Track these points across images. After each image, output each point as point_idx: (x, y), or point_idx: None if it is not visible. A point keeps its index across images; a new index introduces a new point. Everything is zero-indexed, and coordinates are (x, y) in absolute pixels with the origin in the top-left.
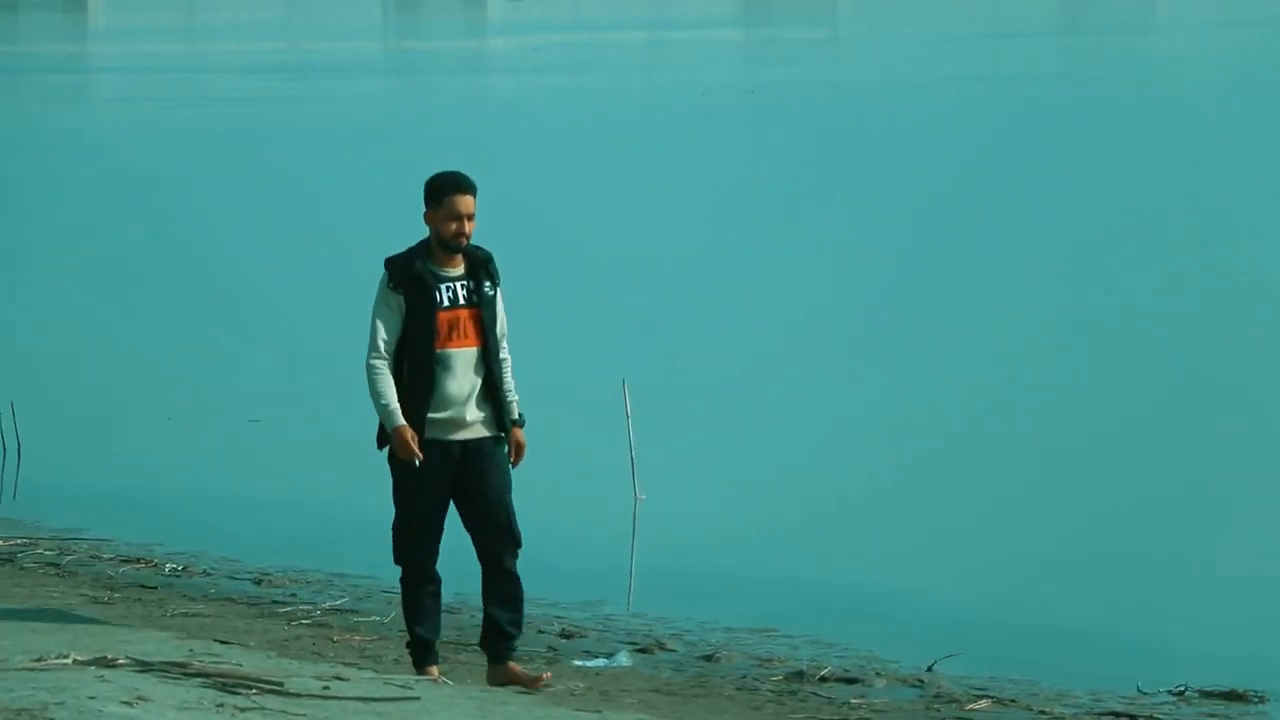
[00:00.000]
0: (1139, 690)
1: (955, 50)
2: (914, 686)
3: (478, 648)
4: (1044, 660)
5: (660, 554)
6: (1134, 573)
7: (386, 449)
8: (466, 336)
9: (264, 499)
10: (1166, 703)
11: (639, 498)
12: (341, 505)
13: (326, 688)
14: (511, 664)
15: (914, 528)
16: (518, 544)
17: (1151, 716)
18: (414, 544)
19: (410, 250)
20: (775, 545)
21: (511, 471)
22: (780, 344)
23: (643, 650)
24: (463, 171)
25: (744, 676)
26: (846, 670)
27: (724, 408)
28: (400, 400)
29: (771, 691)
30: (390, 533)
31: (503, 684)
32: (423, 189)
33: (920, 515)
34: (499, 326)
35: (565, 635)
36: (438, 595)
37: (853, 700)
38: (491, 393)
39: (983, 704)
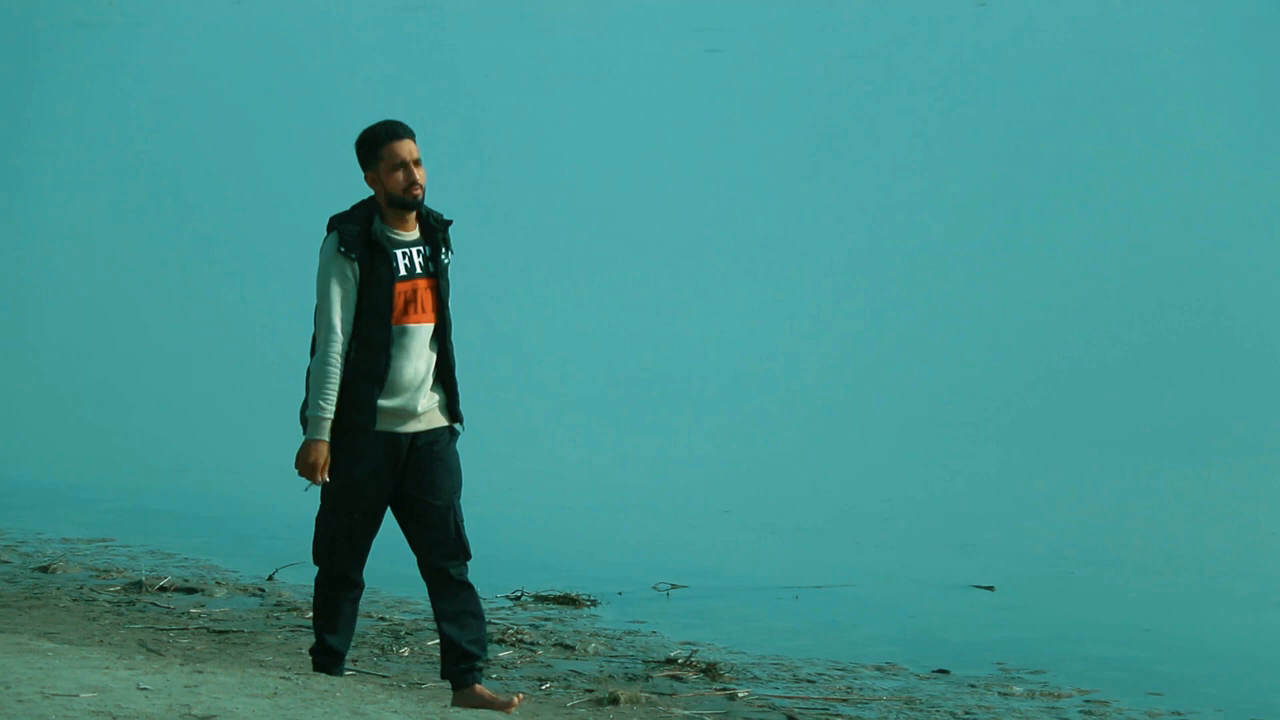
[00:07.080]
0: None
1: None
2: (254, 595)
3: (441, 679)
4: (386, 569)
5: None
6: (477, 484)
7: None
8: (423, 311)
9: None
10: (504, 607)
11: None
12: None
13: None
14: (477, 686)
15: (276, 444)
16: (467, 555)
17: (489, 621)
18: (346, 548)
19: (356, 208)
20: (113, 458)
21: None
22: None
23: None
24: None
25: (81, 587)
26: (186, 580)
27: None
28: (344, 386)
29: (109, 602)
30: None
31: (472, 707)
32: (355, 152)
33: (278, 429)
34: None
35: None
36: (357, 603)
37: (192, 610)
38: (444, 376)
39: None
